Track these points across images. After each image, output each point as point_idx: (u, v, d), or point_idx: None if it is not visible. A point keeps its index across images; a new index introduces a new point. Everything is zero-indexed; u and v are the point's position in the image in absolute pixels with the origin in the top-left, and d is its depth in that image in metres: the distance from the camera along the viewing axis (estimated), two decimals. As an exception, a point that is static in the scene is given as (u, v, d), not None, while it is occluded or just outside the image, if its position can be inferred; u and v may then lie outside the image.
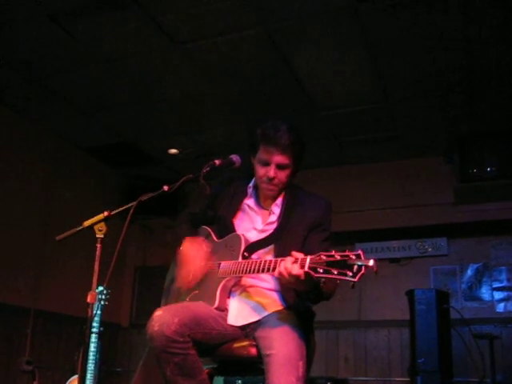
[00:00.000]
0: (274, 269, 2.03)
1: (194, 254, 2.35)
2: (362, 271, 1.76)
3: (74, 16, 3.89)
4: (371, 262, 1.76)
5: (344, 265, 1.79)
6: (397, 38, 4.06)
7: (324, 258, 1.84)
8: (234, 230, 2.37)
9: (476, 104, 4.93)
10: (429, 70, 4.44)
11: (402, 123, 5.34)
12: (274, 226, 2.34)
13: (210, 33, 4.07)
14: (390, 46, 4.16)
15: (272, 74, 4.58)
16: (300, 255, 1.94)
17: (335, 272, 1.80)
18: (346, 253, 1.81)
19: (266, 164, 2.30)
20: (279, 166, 2.30)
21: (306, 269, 1.87)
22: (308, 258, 1.89)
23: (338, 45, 4.17)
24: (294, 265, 1.91)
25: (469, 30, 3.93)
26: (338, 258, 1.81)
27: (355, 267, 1.77)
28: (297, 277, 1.90)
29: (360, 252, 1.79)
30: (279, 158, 2.28)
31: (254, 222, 2.40)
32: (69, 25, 4.00)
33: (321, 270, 1.83)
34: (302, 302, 2.27)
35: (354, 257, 1.79)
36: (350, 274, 1.77)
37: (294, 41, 4.14)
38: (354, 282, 1.76)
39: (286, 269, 1.93)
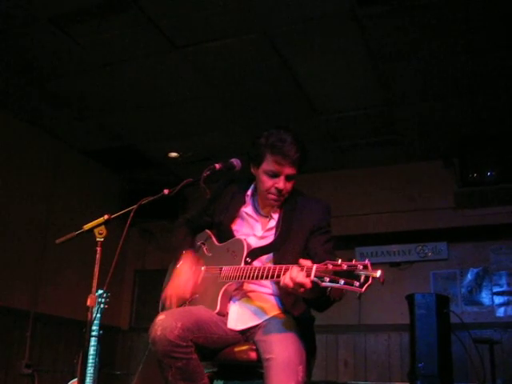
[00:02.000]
0: (278, 276, 2.02)
1: (185, 277, 2.34)
2: (369, 282, 1.75)
3: (75, 19, 3.90)
4: (378, 274, 1.75)
5: (351, 275, 1.77)
6: (397, 42, 4.06)
7: (331, 267, 1.82)
8: (233, 236, 2.37)
9: (476, 108, 4.93)
10: (429, 74, 4.44)
11: (402, 127, 5.35)
12: (273, 231, 2.34)
13: (210, 36, 4.08)
14: (391, 50, 4.16)
15: (272, 77, 4.59)
16: (307, 263, 1.92)
17: (342, 282, 1.78)
18: (354, 263, 1.79)
19: (275, 176, 2.28)
20: (287, 177, 2.29)
21: (312, 277, 1.85)
22: (314, 267, 1.86)
23: (338, 48, 4.18)
24: (299, 273, 1.89)
25: (470, 34, 3.94)
26: (345, 267, 1.79)
27: (362, 277, 1.75)
28: (302, 285, 1.88)
29: (367, 262, 1.77)
30: (289, 170, 2.27)
31: (253, 228, 2.40)
32: (70, 28, 4.01)
33: (327, 279, 1.82)
34: (307, 310, 2.26)
35: (361, 267, 1.77)
36: (357, 284, 1.75)
37: (295, 45, 4.14)
38: (360, 292, 1.75)
39: (291, 279, 1.91)
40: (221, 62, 4.39)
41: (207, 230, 2.52)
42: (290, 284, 1.91)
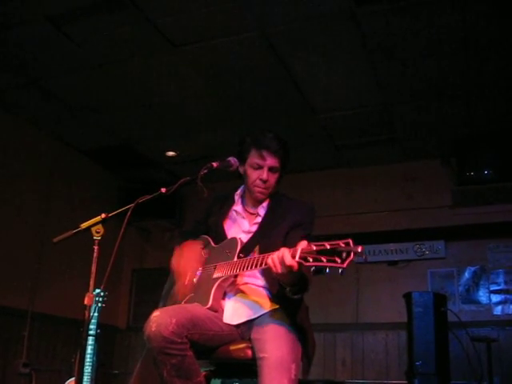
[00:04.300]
0: (266, 263, 2.05)
1: (185, 258, 2.44)
2: (351, 257, 1.78)
3: (73, 18, 3.90)
4: (360, 249, 1.78)
5: (333, 252, 1.81)
6: (395, 42, 4.07)
7: (314, 247, 1.87)
8: (225, 237, 2.44)
9: (474, 107, 4.94)
10: (427, 73, 4.45)
11: (399, 126, 5.35)
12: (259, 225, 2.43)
13: (208, 35, 4.08)
14: (389, 49, 4.16)
15: (270, 76, 4.59)
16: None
17: (324, 260, 1.82)
18: (336, 241, 1.83)
19: (259, 167, 2.41)
20: (271, 169, 2.42)
21: (297, 259, 1.89)
22: (299, 249, 1.91)
23: (336, 48, 4.18)
24: (285, 254, 1.94)
25: (467, 33, 3.94)
26: (328, 246, 1.83)
27: (344, 254, 1.79)
28: (289, 267, 1.92)
29: (349, 240, 1.81)
30: (271, 161, 2.41)
31: (241, 225, 2.48)
32: (67, 27, 4.00)
33: (311, 259, 1.86)
34: (302, 301, 2.27)
35: (343, 244, 1.81)
36: (339, 260, 1.79)
37: (293, 44, 4.15)
38: (342, 267, 1.78)
39: (278, 257, 1.96)
40: (219, 60, 4.39)
41: (206, 236, 2.56)
42: (277, 262, 1.96)
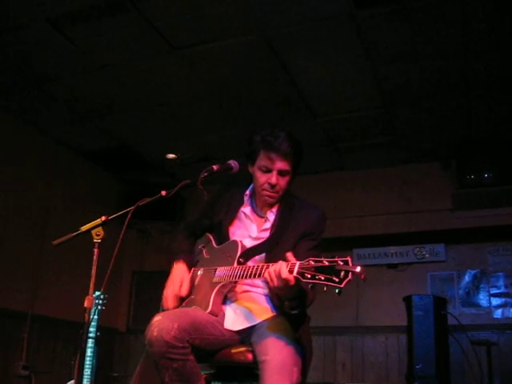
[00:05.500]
0: (263, 276, 2.04)
1: (178, 276, 2.40)
2: (349, 277, 1.77)
3: (74, 21, 3.90)
4: (358, 269, 1.77)
5: (331, 270, 1.80)
6: (395, 44, 4.07)
7: (312, 263, 1.85)
8: (229, 238, 2.39)
9: (474, 110, 4.94)
10: (427, 76, 4.45)
11: (399, 129, 5.35)
12: (268, 232, 2.36)
13: (208, 38, 4.08)
14: (389, 52, 4.17)
15: (270, 79, 4.59)
16: (292, 259, 1.95)
17: (322, 278, 1.80)
18: (335, 259, 1.81)
19: (268, 171, 2.31)
20: (280, 173, 2.31)
21: (295, 274, 1.88)
22: (297, 264, 1.90)
23: (336, 51, 4.18)
24: (282, 268, 1.92)
25: (467, 36, 3.95)
26: (326, 263, 1.82)
27: (342, 273, 1.77)
28: (286, 281, 1.91)
29: (348, 258, 1.80)
30: (281, 165, 2.30)
31: (249, 229, 2.42)
32: (68, 30, 4.01)
33: (308, 276, 1.84)
34: (303, 310, 2.26)
35: (341, 263, 1.79)
36: (337, 279, 1.77)
37: (293, 47, 4.15)
38: (340, 287, 1.77)
39: (274, 271, 1.95)
40: (219, 63, 4.39)
41: (208, 234, 2.53)
42: (273, 276, 1.95)
